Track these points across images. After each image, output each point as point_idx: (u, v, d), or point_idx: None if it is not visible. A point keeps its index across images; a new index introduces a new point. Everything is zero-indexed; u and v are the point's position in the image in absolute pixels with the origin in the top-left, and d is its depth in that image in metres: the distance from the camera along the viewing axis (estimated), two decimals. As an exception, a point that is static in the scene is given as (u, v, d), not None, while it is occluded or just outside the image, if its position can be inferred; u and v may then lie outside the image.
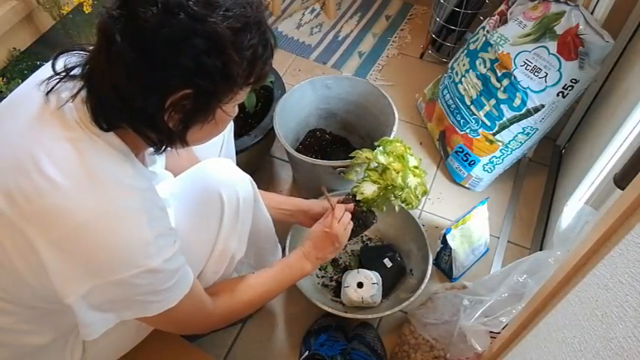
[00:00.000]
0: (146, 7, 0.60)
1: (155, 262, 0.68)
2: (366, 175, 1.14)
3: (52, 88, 0.69)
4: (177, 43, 0.61)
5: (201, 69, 0.63)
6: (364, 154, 1.16)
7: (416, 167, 1.14)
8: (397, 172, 1.10)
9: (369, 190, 1.11)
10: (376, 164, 1.14)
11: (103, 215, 0.65)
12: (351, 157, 1.22)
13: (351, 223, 1.10)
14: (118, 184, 0.67)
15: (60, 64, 0.71)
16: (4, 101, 0.75)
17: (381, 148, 1.15)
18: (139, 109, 0.66)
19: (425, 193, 1.14)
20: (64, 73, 0.70)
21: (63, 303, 0.67)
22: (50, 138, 0.66)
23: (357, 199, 1.12)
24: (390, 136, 1.35)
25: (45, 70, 0.73)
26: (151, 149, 0.73)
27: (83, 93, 0.68)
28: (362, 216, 1.15)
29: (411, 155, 1.14)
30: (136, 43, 0.61)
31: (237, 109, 0.76)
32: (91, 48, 0.70)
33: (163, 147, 0.72)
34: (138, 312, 0.74)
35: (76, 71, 0.70)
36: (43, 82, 0.70)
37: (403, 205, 1.12)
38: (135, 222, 0.67)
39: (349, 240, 1.13)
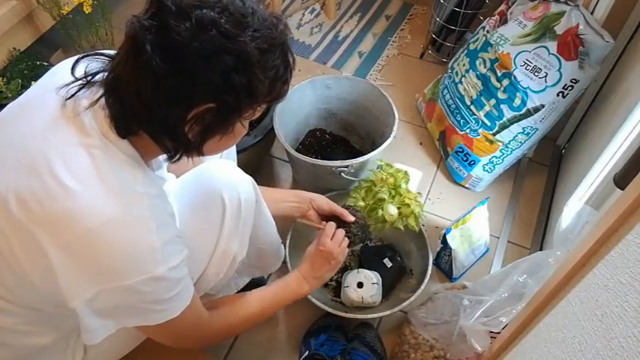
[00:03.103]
0: (179, 21, 0.61)
1: (161, 269, 0.68)
2: (381, 199, 1.18)
3: (73, 94, 0.69)
4: (208, 58, 0.62)
5: (228, 85, 0.65)
6: (383, 174, 1.21)
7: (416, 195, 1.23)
8: (416, 202, 1.18)
9: (394, 211, 1.16)
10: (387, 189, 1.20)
11: (114, 221, 0.65)
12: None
13: (346, 240, 1.12)
14: (130, 191, 0.67)
15: (80, 69, 0.71)
16: (18, 101, 0.75)
17: (402, 179, 1.22)
18: (161, 118, 0.66)
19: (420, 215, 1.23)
20: (84, 80, 0.70)
21: (68, 307, 0.67)
22: (65, 143, 0.67)
23: (389, 219, 1.17)
24: (390, 136, 1.35)
25: (63, 74, 0.73)
26: (164, 156, 0.73)
27: (102, 100, 0.68)
28: (365, 224, 1.17)
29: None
30: (167, 55, 0.62)
31: (248, 125, 0.77)
32: (115, 53, 0.70)
33: (178, 155, 0.72)
34: (140, 320, 0.74)
35: (98, 77, 0.70)
36: (63, 87, 0.70)
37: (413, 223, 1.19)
38: (144, 229, 0.67)
39: (354, 246, 1.15)
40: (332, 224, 1.12)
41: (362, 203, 1.17)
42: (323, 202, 1.17)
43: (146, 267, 0.67)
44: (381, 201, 1.17)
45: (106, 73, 0.69)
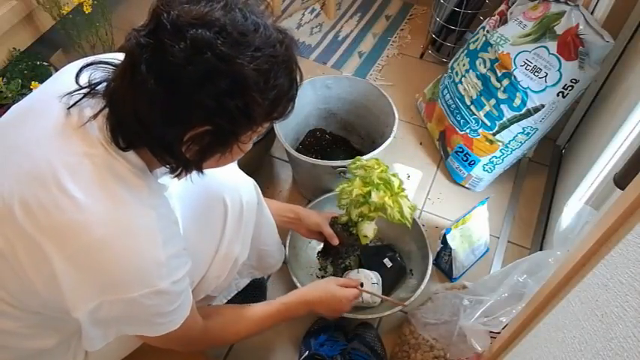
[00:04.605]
0: (175, 41, 0.59)
1: (164, 283, 0.68)
2: (360, 213, 1.14)
3: (75, 103, 0.69)
4: (201, 82, 0.61)
5: (222, 109, 0.63)
6: (351, 189, 1.14)
7: (399, 188, 1.14)
8: (392, 207, 1.11)
9: (370, 231, 1.14)
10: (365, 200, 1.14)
11: (120, 233, 0.65)
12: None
13: (354, 300, 1.15)
14: (136, 202, 0.67)
15: (84, 78, 0.70)
16: (22, 105, 0.75)
17: (368, 184, 1.13)
18: (158, 136, 0.66)
19: (414, 209, 1.16)
20: (87, 89, 0.69)
21: (70, 315, 0.67)
22: (71, 153, 0.66)
23: (363, 243, 1.15)
24: (390, 136, 1.35)
25: (66, 80, 0.72)
26: (166, 169, 0.73)
27: (105, 110, 0.68)
28: (353, 241, 1.18)
29: (393, 176, 1.14)
30: (160, 76, 0.61)
31: (252, 142, 0.76)
32: (117, 63, 0.69)
33: (178, 171, 0.72)
34: (141, 330, 0.74)
35: (101, 86, 0.69)
36: (66, 95, 0.69)
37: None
38: (150, 242, 0.67)
39: (340, 261, 1.21)
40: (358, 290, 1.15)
41: (345, 218, 1.16)
42: (312, 222, 1.17)
43: (150, 280, 0.67)
44: (361, 217, 1.15)
45: (108, 83, 0.69)
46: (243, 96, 0.63)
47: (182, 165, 0.70)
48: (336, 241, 1.15)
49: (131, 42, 0.62)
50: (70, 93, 0.69)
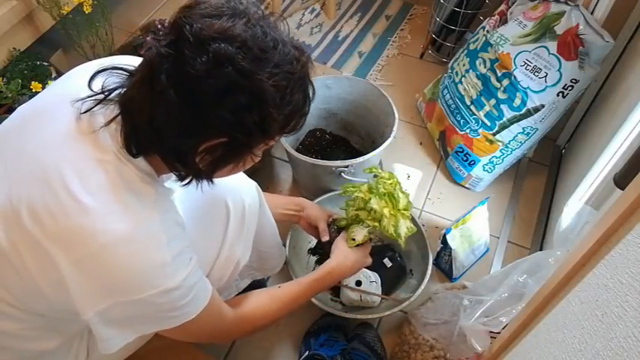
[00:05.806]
0: (196, 54, 0.60)
1: (172, 281, 0.69)
2: (356, 216, 1.11)
3: (89, 109, 0.69)
4: (221, 95, 0.61)
5: (240, 123, 0.64)
6: (355, 192, 1.12)
7: (405, 209, 1.11)
8: (388, 219, 1.07)
9: (360, 235, 1.10)
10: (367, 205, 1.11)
11: (126, 238, 0.65)
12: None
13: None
14: (142, 208, 0.67)
15: (97, 83, 0.70)
16: (27, 108, 0.75)
17: (374, 192, 1.10)
18: (173, 146, 0.66)
19: (412, 232, 1.11)
20: (101, 96, 0.69)
21: (79, 317, 0.67)
22: (80, 158, 0.66)
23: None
24: (390, 136, 1.35)
25: (77, 84, 0.72)
26: (174, 176, 0.73)
27: (118, 117, 0.68)
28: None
29: (402, 192, 1.11)
30: (180, 88, 0.61)
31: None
32: (132, 69, 0.69)
33: (188, 180, 0.72)
34: (156, 327, 0.74)
35: (114, 94, 0.69)
36: (78, 101, 0.69)
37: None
38: (155, 244, 0.67)
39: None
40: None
41: (344, 222, 1.15)
42: (313, 215, 1.16)
43: (157, 281, 0.67)
44: (355, 220, 1.12)
45: (122, 90, 0.69)
46: (261, 111, 0.64)
47: (193, 174, 0.71)
48: (325, 238, 1.14)
49: (151, 51, 0.62)
50: (84, 99, 0.69)
